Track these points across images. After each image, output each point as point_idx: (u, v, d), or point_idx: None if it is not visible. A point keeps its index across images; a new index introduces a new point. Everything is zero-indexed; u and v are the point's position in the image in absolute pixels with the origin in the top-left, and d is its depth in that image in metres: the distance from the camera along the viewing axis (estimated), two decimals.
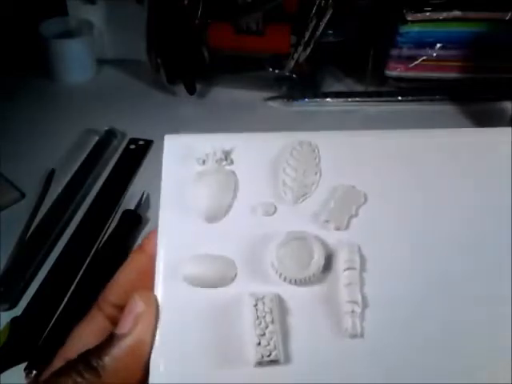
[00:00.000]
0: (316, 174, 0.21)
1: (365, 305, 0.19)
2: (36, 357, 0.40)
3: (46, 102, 0.69)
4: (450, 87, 0.71)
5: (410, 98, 0.70)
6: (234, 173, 0.21)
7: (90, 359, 0.20)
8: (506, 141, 0.21)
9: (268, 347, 0.18)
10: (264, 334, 0.18)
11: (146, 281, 0.21)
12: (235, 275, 0.20)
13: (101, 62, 0.75)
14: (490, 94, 0.71)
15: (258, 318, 0.18)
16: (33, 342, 0.42)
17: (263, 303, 0.19)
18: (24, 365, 0.40)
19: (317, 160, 0.21)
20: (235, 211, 0.21)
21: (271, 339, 0.18)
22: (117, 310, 0.24)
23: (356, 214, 0.20)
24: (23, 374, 0.39)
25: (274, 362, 0.18)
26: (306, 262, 0.19)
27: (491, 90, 0.71)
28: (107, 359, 0.20)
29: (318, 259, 0.19)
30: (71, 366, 0.20)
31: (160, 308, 0.20)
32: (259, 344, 0.18)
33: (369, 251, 0.20)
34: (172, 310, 0.19)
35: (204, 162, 0.21)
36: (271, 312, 0.19)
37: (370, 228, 0.20)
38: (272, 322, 0.18)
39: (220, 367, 0.18)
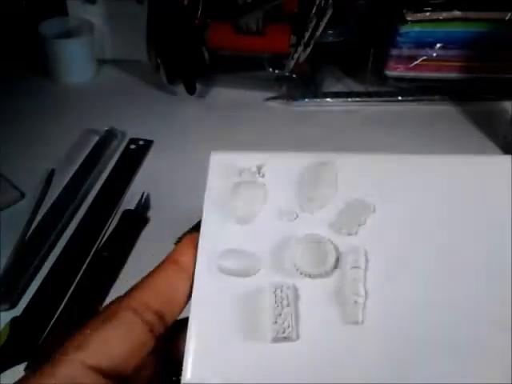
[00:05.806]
0: (333, 192, 0.25)
1: (367, 297, 0.23)
2: (36, 357, 0.40)
3: (46, 102, 0.69)
4: (450, 87, 0.71)
5: (409, 98, 0.70)
6: (264, 185, 0.25)
7: None
8: None
9: (283, 325, 0.22)
10: (280, 315, 0.22)
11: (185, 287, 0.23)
12: (260, 268, 0.24)
13: (101, 62, 0.75)
14: (490, 94, 0.71)
15: (275, 302, 0.22)
16: (33, 342, 0.42)
17: (281, 290, 0.23)
18: (24, 365, 0.40)
19: (335, 181, 0.25)
20: (263, 216, 0.25)
21: (286, 319, 0.22)
22: (157, 318, 0.22)
23: (364, 222, 0.24)
24: (23, 374, 0.39)
25: (287, 338, 0.22)
26: (320, 261, 0.23)
27: (491, 89, 0.71)
28: None
29: (330, 258, 0.23)
30: None
31: (199, 294, 0.23)
32: (276, 322, 0.22)
33: (374, 254, 0.23)
34: (208, 295, 0.23)
35: (241, 174, 0.26)
36: (287, 298, 0.22)
37: (376, 235, 0.24)
38: (288, 305, 0.22)
39: (243, 342, 0.22)
